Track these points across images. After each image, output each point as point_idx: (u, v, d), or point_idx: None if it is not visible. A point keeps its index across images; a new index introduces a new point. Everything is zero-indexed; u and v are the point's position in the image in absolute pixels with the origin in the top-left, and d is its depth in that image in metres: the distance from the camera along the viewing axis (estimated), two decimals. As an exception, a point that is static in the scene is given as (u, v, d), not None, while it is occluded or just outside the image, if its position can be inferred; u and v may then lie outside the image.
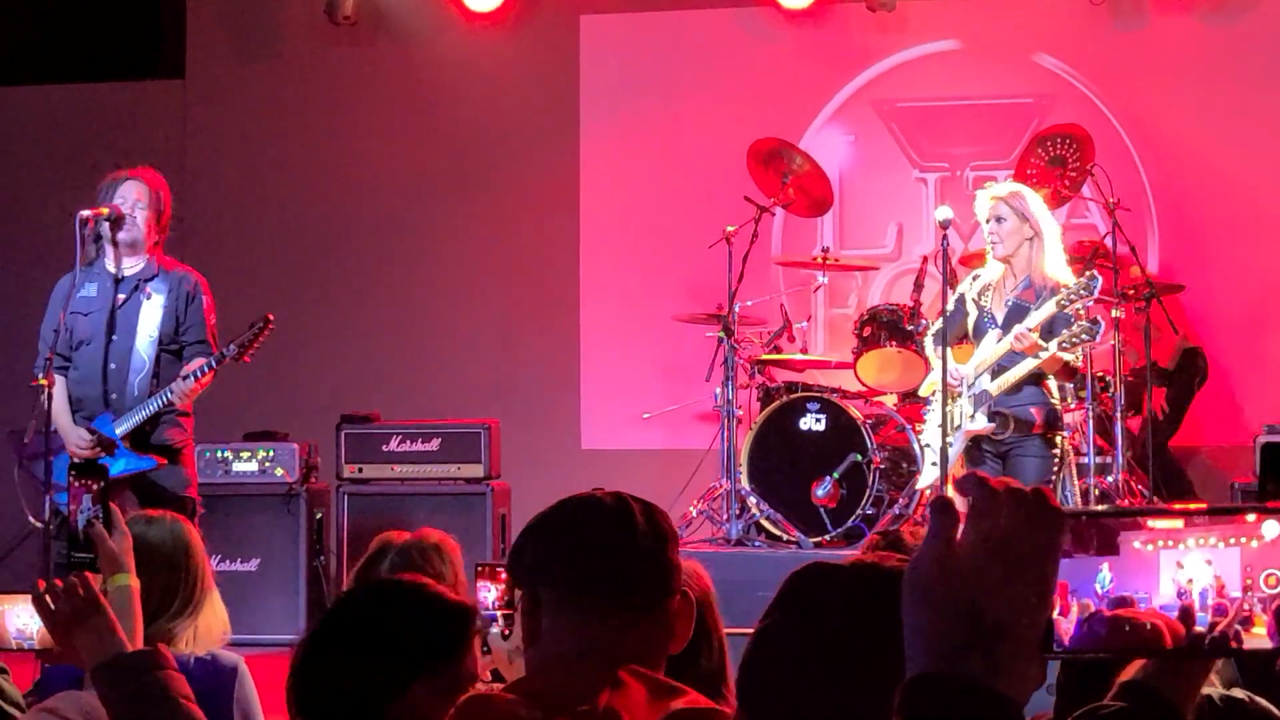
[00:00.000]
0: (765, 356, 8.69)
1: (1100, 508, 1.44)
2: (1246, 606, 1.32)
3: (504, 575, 3.39)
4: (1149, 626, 1.32)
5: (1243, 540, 1.32)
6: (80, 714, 2.38)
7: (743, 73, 10.28)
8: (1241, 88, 9.72)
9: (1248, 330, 9.64)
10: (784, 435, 8.29)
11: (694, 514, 8.27)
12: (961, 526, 1.30)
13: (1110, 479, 7.99)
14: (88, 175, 10.52)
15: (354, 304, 10.47)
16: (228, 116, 10.96)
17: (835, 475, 8.03)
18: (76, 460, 2.49)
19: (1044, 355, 6.74)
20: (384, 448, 8.88)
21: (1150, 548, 1.33)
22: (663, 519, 2.17)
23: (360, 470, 8.86)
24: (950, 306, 7.10)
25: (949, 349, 7.08)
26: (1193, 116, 9.76)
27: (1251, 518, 1.33)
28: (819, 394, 8.21)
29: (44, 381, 6.53)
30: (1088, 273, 6.89)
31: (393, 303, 10.49)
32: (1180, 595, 1.33)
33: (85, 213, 6.75)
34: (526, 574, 2.14)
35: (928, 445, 7.31)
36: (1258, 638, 1.32)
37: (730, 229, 8.34)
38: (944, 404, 6.74)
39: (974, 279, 7.12)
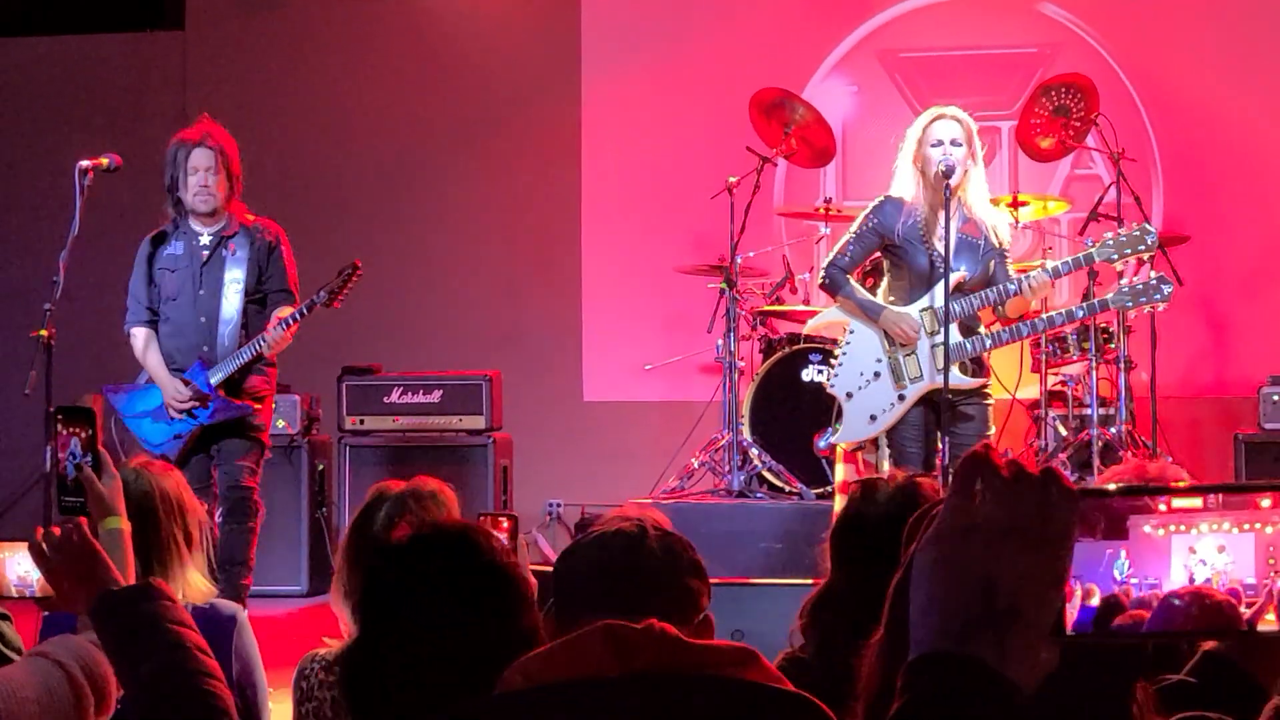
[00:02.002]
0: (767, 308, 8.67)
1: (1111, 486, 1.42)
2: (1272, 591, 1.30)
3: (506, 524, 3.37)
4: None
5: (1258, 526, 1.30)
6: (73, 657, 2.37)
7: (745, 22, 10.22)
8: (1248, 37, 9.67)
9: (1252, 281, 9.62)
10: (786, 387, 8.28)
11: (696, 466, 8.26)
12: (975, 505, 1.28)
13: (1113, 430, 7.98)
14: (88, 126, 10.53)
15: (355, 255, 10.42)
16: (229, 67, 10.92)
17: (837, 426, 8.01)
18: (66, 406, 2.49)
19: (1081, 310, 6.41)
20: (385, 399, 8.88)
21: (1162, 532, 1.31)
22: (682, 549, 2.30)
23: (362, 422, 8.86)
24: (852, 233, 6.52)
25: (857, 286, 6.59)
26: (1199, 66, 9.71)
27: (1266, 502, 1.31)
28: (821, 345, 8.19)
29: (44, 333, 6.55)
30: (1138, 225, 6.50)
31: (394, 254, 10.46)
32: (1191, 581, 1.32)
33: (84, 163, 6.80)
34: (554, 597, 2.31)
35: (849, 395, 6.58)
36: (1269, 623, 1.31)
37: (732, 180, 8.30)
38: (945, 362, 6.45)
39: (885, 209, 6.43)
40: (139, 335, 7.02)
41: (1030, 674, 1.25)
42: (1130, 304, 6.37)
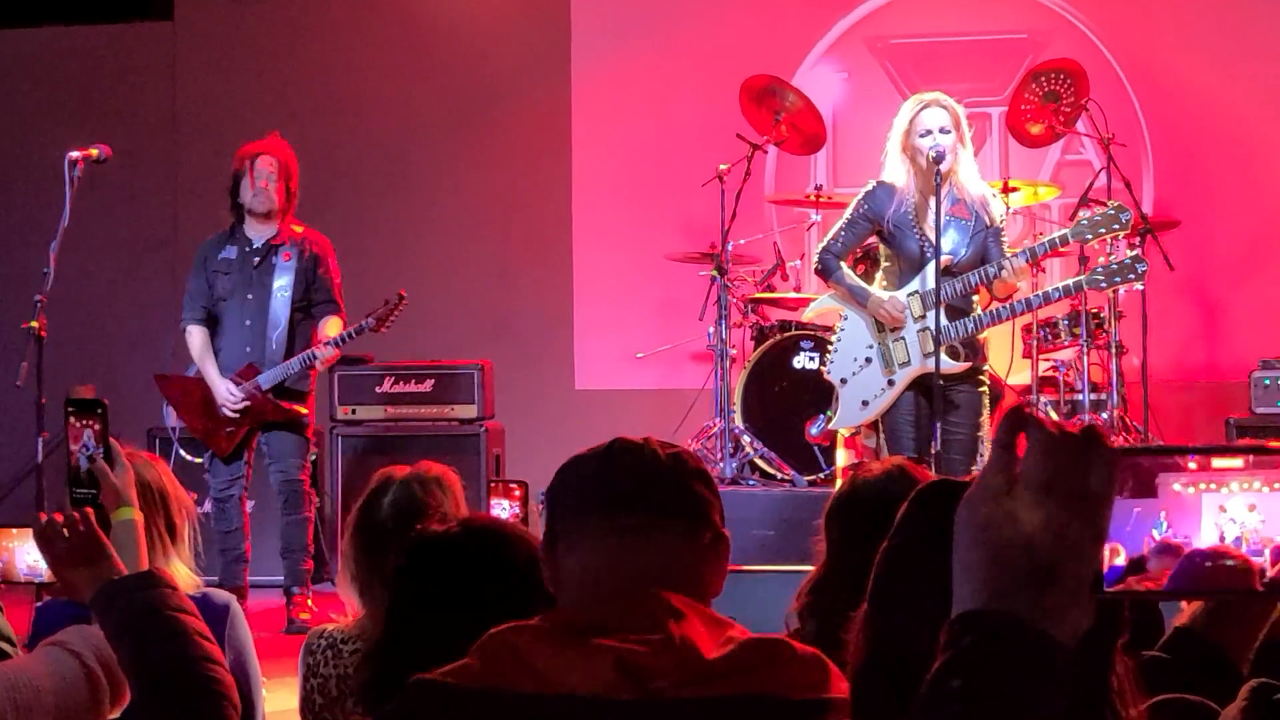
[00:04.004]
0: (759, 295, 8.67)
1: (1153, 445, 1.43)
2: None
3: (518, 491, 3.38)
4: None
5: None
6: (89, 647, 2.38)
7: (735, 9, 10.22)
8: (1238, 22, 9.67)
9: (1243, 265, 9.63)
10: (777, 374, 8.28)
11: (688, 453, 8.26)
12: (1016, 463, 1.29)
13: (1105, 415, 8.00)
14: (77, 118, 10.50)
15: (346, 245, 10.41)
16: (217, 58, 10.90)
17: (829, 413, 8.01)
18: (77, 398, 2.49)
19: (1057, 292, 6.42)
20: (377, 389, 8.87)
21: (1192, 490, 1.31)
22: (689, 457, 2.10)
23: (354, 412, 8.84)
24: (844, 219, 6.49)
25: (849, 271, 6.55)
26: (1188, 51, 9.71)
27: None
28: (812, 332, 8.19)
29: (35, 324, 6.57)
30: (1113, 203, 6.55)
31: (385, 243, 10.45)
32: (1221, 540, 1.32)
33: (74, 154, 6.86)
34: (545, 515, 2.11)
35: (843, 381, 6.56)
36: None
37: (723, 167, 8.30)
38: (936, 347, 6.43)
39: (877, 195, 6.39)
40: (195, 333, 7.53)
41: (1070, 632, 1.25)
42: (1105, 284, 6.38)
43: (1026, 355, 8.42)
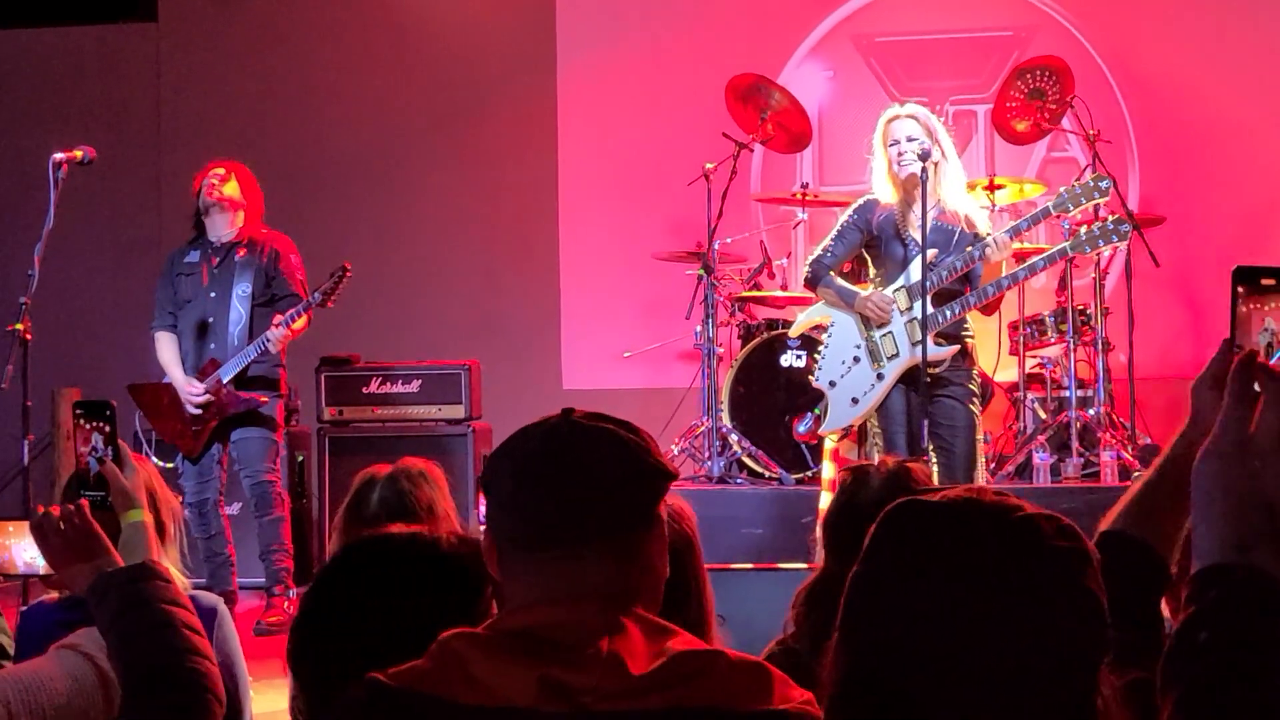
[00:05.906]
0: (745, 294, 8.67)
1: None
2: None
3: None
4: None
5: None
6: (100, 649, 2.38)
7: (721, 7, 10.22)
8: (1222, 17, 9.68)
9: (1229, 261, 9.55)
10: (765, 372, 8.28)
11: (675, 452, 8.26)
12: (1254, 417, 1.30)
13: (1092, 412, 8.00)
14: (62, 119, 10.48)
15: (332, 245, 10.41)
16: (202, 58, 10.87)
17: (816, 411, 8.00)
18: (85, 400, 2.49)
19: (1041, 261, 6.44)
20: (364, 390, 8.85)
21: None
22: (612, 447, 2.02)
23: (341, 413, 8.83)
24: (835, 230, 6.62)
25: (835, 276, 6.62)
26: (1173, 47, 9.72)
27: None
28: (800, 331, 8.19)
29: (19, 326, 6.56)
30: (1093, 174, 6.58)
31: (371, 243, 10.44)
32: None
33: (58, 155, 6.88)
34: (486, 521, 2.03)
35: (832, 384, 6.61)
36: None
37: (709, 166, 8.29)
38: (924, 338, 6.42)
39: (867, 206, 6.52)
40: (163, 339, 7.71)
41: None
42: (1089, 248, 6.43)
43: (1013, 352, 8.42)
